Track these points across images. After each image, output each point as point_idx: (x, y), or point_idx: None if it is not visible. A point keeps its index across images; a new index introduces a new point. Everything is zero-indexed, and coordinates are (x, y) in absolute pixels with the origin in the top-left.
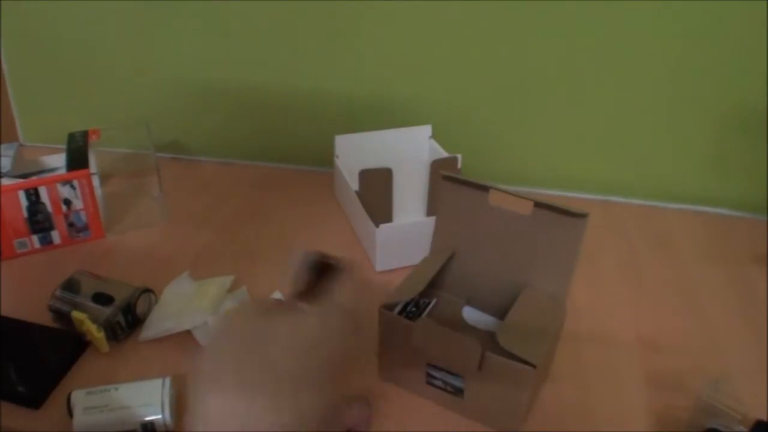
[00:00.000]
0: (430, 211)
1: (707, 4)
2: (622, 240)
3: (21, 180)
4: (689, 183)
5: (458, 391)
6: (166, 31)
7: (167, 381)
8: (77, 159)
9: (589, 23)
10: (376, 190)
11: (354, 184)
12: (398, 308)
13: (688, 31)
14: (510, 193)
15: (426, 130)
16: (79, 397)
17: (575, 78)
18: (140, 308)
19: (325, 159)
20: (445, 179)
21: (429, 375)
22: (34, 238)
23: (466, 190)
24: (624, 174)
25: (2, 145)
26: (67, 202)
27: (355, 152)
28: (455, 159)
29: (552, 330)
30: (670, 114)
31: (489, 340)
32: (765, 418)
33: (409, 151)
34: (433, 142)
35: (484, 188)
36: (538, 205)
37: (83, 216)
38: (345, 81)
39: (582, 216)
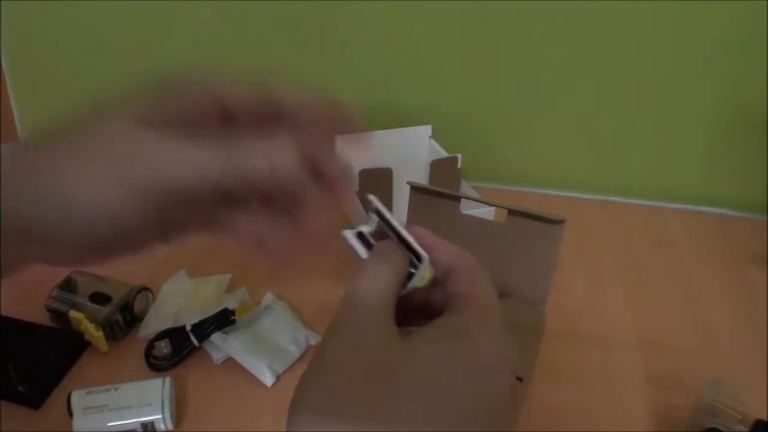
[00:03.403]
0: None
1: (707, 4)
2: (622, 240)
3: None
4: (689, 183)
5: None
6: (166, 32)
7: (167, 381)
8: None
9: (588, 23)
10: (376, 190)
11: (354, 184)
12: None
13: (688, 30)
14: (482, 202)
15: (426, 130)
16: (79, 397)
17: (575, 78)
18: (138, 307)
19: None
20: (413, 190)
21: None
22: None
23: (437, 201)
24: (624, 174)
25: (2, 145)
26: None
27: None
28: (455, 159)
29: (534, 339)
30: (670, 114)
31: None
32: (765, 418)
33: (409, 151)
34: (433, 142)
35: (456, 198)
36: (512, 212)
37: None
38: (345, 81)
39: (558, 222)
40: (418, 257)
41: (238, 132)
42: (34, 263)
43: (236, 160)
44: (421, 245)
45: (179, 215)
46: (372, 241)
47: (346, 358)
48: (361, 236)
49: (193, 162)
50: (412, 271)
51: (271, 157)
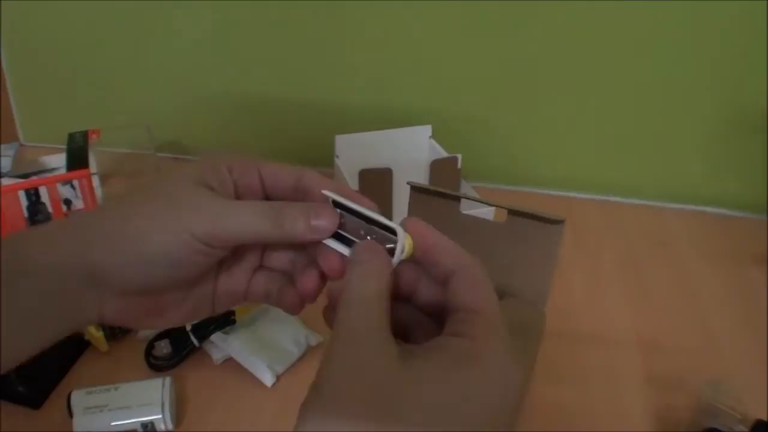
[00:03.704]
0: None
1: (707, 4)
2: (622, 240)
3: (21, 180)
4: (689, 183)
5: None
6: (166, 32)
7: (167, 381)
8: (77, 159)
9: (588, 24)
10: (376, 190)
11: (354, 184)
12: None
13: (688, 30)
14: (482, 202)
15: (426, 130)
16: (79, 397)
17: (575, 78)
18: None
19: (325, 159)
20: (413, 190)
21: None
22: None
23: (437, 201)
24: (624, 174)
25: (2, 145)
26: (67, 202)
27: (355, 152)
28: (455, 159)
29: (534, 339)
30: (670, 114)
31: None
32: (765, 418)
33: (409, 151)
34: (433, 142)
35: (455, 198)
36: (512, 212)
37: None
38: (345, 81)
39: (558, 222)
40: (392, 231)
41: (273, 287)
42: (96, 321)
43: (282, 221)
44: (421, 243)
45: (223, 268)
46: (350, 236)
47: (346, 383)
48: (338, 236)
49: (245, 217)
50: (391, 246)
51: (311, 221)
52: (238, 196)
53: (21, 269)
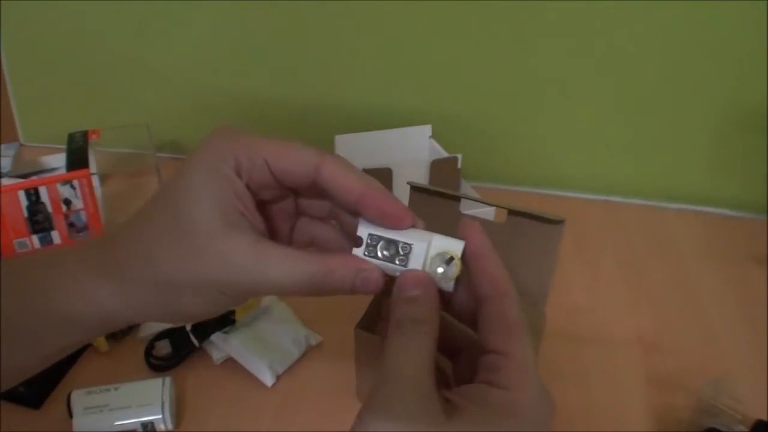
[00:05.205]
0: None
1: (707, 4)
2: (622, 240)
3: (21, 180)
4: (689, 183)
5: None
6: (166, 32)
7: (167, 381)
8: (77, 159)
9: (588, 23)
10: None
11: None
12: None
13: (689, 30)
14: (482, 202)
15: (426, 130)
16: (79, 397)
17: (575, 78)
18: None
19: None
20: (413, 190)
21: None
22: (34, 238)
23: (437, 201)
24: (624, 174)
25: (2, 145)
26: (67, 202)
27: (355, 152)
28: (455, 159)
29: (534, 339)
30: (670, 113)
31: None
32: (765, 418)
33: (409, 151)
34: (433, 142)
35: (455, 198)
36: (512, 212)
37: (83, 216)
38: (345, 81)
39: (558, 222)
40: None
41: (318, 233)
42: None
43: (323, 288)
44: (472, 253)
45: None
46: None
47: None
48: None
49: (282, 278)
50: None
51: (356, 286)
52: (253, 194)
53: (54, 321)
